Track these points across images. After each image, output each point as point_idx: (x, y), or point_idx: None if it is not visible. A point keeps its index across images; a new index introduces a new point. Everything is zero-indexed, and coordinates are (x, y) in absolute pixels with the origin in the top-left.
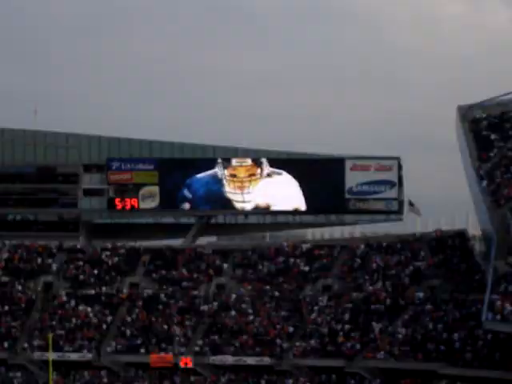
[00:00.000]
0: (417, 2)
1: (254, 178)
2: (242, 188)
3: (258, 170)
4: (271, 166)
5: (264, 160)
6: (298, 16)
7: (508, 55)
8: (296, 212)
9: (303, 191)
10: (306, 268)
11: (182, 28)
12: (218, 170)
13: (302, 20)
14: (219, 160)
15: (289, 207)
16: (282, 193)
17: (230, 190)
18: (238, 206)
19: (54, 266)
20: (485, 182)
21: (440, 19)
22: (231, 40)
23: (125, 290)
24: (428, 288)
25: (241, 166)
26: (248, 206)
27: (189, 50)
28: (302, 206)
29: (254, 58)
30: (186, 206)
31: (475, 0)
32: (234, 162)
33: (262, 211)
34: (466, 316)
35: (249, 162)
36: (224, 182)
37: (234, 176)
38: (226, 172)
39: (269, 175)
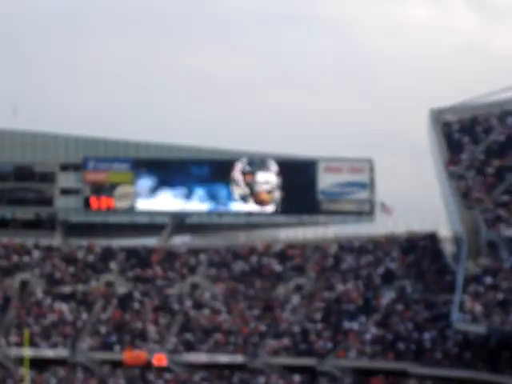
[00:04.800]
0: (384, 5)
1: None
2: None
3: None
4: (243, 167)
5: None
6: (273, 18)
7: (478, 58)
8: (269, 213)
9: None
10: (279, 268)
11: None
12: None
13: (278, 22)
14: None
15: None
16: None
17: None
18: None
19: (31, 264)
20: (456, 185)
21: (407, 22)
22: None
23: (100, 289)
24: (399, 288)
25: None
26: None
27: (166, 49)
28: None
29: (224, 59)
30: None
31: (440, 2)
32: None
33: (236, 212)
34: (437, 316)
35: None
36: None
37: None
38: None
39: None
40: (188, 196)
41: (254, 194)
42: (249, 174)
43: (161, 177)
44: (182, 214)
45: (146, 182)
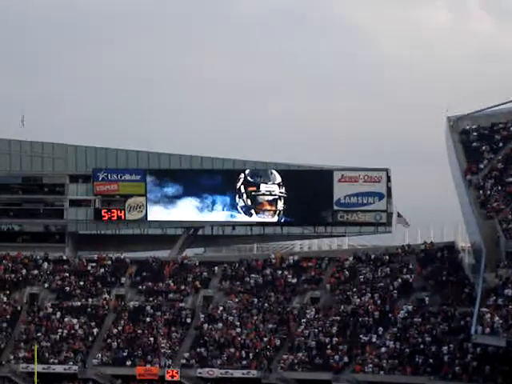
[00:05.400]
0: (404, 12)
1: None
2: None
3: None
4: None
5: None
6: (286, 24)
7: (497, 65)
8: (284, 224)
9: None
10: (294, 280)
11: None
12: None
13: (291, 29)
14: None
15: None
16: None
17: None
18: None
19: (40, 277)
20: (474, 194)
21: (426, 28)
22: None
23: (111, 302)
24: (416, 301)
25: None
26: None
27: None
28: None
29: (240, 65)
30: None
31: (460, 9)
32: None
33: (250, 223)
34: (455, 329)
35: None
36: None
37: None
38: None
39: None
40: (203, 207)
41: (256, 205)
42: (252, 185)
43: (182, 187)
44: (195, 225)
45: (166, 191)
